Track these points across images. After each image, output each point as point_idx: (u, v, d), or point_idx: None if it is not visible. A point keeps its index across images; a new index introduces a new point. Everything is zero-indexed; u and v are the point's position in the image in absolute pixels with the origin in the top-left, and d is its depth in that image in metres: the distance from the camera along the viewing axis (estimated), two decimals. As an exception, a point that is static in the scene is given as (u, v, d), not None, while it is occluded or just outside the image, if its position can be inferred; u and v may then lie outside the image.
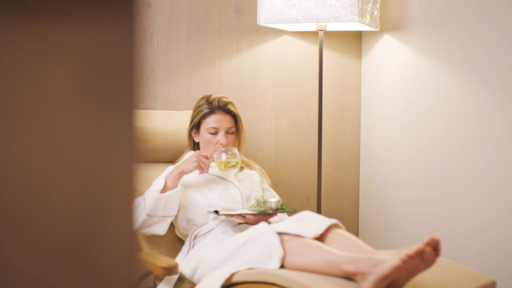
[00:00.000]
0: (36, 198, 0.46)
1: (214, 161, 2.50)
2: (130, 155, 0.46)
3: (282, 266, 2.01)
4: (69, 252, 0.47)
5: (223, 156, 2.47)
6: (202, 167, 2.41)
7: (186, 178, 2.50)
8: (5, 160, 0.45)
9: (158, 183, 2.40)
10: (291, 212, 2.44)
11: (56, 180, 0.46)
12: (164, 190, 2.39)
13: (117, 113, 0.45)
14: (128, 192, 0.46)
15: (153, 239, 2.52)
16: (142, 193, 2.40)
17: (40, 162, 0.45)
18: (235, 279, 2.00)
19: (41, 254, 0.46)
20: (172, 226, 2.53)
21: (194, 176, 2.54)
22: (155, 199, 2.35)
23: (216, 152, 2.49)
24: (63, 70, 0.44)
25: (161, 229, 2.41)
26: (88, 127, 0.45)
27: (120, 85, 0.45)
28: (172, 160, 2.74)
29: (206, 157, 2.42)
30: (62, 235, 0.46)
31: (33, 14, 0.43)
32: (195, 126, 2.61)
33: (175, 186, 2.40)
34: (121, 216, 0.46)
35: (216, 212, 2.34)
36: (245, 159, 2.73)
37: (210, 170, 2.55)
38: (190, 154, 2.58)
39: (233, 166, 2.48)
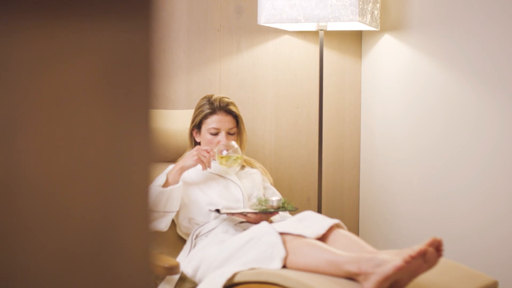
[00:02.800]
0: (52, 198, 0.45)
1: (214, 158, 2.48)
2: (147, 155, 0.45)
3: (284, 266, 2.01)
4: (85, 252, 0.47)
5: (224, 152, 2.45)
6: (203, 161, 2.40)
7: (186, 176, 2.49)
8: (21, 160, 0.45)
9: (159, 179, 2.40)
10: (292, 211, 2.44)
11: (72, 181, 0.45)
12: (165, 185, 2.39)
13: (134, 113, 0.45)
14: (144, 193, 0.46)
15: (154, 239, 2.51)
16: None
17: (56, 162, 0.45)
18: (237, 279, 2.00)
19: (57, 255, 0.46)
20: (173, 225, 2.53)
21: (194, 174, 2.53)
22: (157, 193, 2.35)
23: (216, 148, 2.47)
24: (80, 70, 0.44)
25: (162, 224, 2.41)
26: (105, 127, 0.45)
27: (137, 85, 0.44)
28: (172, 160, 2.73)
29: (207, 151, 2.42)
30: (78, 236, 0.46)
31: (50, 13, 0.43)
32: (196, 126, 2.60)
33: (176, 182, 2.40)
34: (138, 216, 0.46)
35: (218, 210, 2.34)
36: (246, 157, 2.72)
37: (211, 169, 2.54)
38: (190, 153, 2.58)
39: (234, 160, 2.45)
